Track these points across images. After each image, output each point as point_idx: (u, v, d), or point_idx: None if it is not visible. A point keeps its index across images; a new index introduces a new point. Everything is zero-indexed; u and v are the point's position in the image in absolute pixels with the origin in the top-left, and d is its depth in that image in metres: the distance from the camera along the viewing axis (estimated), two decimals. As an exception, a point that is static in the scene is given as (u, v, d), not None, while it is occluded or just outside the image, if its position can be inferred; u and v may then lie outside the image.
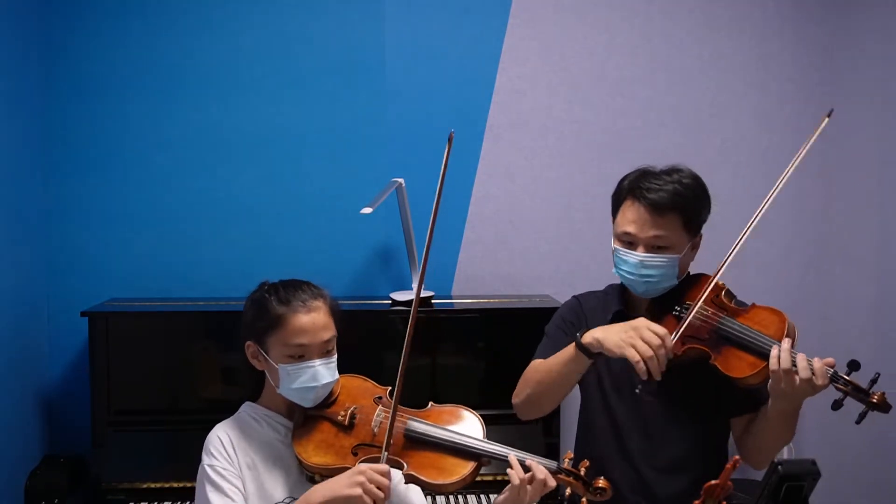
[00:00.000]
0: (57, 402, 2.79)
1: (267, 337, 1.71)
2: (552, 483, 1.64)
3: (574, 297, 2.15)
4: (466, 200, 2.97)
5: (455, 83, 2.93)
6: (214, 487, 1.66)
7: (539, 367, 1.96)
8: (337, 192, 2.88)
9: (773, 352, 1.72)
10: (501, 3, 2.95)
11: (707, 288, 1.87)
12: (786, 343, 1.73)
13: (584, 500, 1.65)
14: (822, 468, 1.48)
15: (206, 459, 1.70)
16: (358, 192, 2.80)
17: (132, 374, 2.54)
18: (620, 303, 2.02)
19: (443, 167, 1.72)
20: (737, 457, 1.47)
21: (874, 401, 1.67)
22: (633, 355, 1.73)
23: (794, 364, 1.70)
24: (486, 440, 1.73)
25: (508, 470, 1.65)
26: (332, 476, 1.68)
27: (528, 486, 1.64)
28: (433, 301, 2.75)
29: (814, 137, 1.91)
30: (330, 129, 2.88)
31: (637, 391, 1.77)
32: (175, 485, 2.41)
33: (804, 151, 1.90)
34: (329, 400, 1.77)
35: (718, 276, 1.90)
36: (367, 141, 2.90)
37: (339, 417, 1.73)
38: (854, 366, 1.71)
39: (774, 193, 1.93)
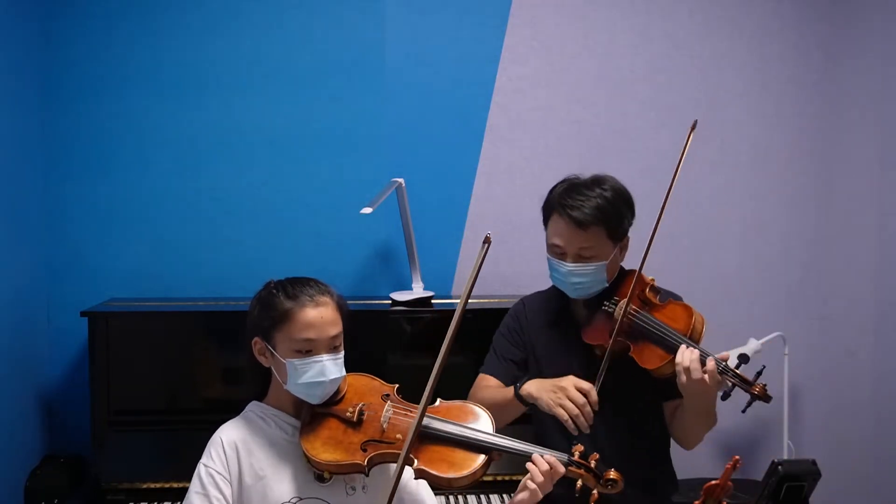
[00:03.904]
0: (57, 402, 2.79)
1: (274, 332, 1.70)
2: (561, 470, 1.68)
3: (520, 300, 2.30)
4: (466, 200, 2.97)
5: (455, 83, 2.93)
6: (201, 490, 1.67)
7: (486, 396, 2.09)
8: (337, 192, 2.88)
9: (680, 351, 1.88)
10: (501, 3, 2.95)
11: (631, 288, 2.01)
12: (682, 348, 1.88)
13: (594, 492, 1.66)
14: (822, 468, 1.48)
15: (203, 458, 1.71)
16: (358, 192, 2.80)
17: (132, 374, 2.54)
18: (562, 300, 2.16)
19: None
20: (737, 457, 1.47)
21: (755, 391, 1.83)
22: (561, 414, 1.89)
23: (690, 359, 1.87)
24: (495, 434, 1.73)
25: (529, 465, 1.68)
26: (341, 473, 1.70)
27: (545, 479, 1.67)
28: (433, 301, 2.75)
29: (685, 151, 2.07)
30: (330, 129, 2.88)
31: (573, 443, 1.81)
32: (175, 485, 2.41)
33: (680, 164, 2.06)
34: (336, 397, 1.77)
35: (636, 276, 2.03)
36: (367, 141, 2.90)
37: (348, 414, 1.73)
38: (743, 359, 1.89)
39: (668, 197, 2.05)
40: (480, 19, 2.94)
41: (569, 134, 3.00)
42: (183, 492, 2.38)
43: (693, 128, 2.09)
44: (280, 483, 1.70)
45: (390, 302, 2.74)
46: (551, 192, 2.09)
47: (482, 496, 2.48)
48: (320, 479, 1.72)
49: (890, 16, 2.86)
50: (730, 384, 1.87)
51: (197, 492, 1.67)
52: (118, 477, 2.44)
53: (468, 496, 2.47)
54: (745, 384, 1.85)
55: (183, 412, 2.57)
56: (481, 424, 1.74)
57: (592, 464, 1.69)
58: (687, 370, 1.85)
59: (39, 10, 2.73)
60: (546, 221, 2.09)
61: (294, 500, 1.70)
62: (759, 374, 1.87)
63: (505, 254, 2.99)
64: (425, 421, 1.71)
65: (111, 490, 2.43)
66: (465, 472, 1.66)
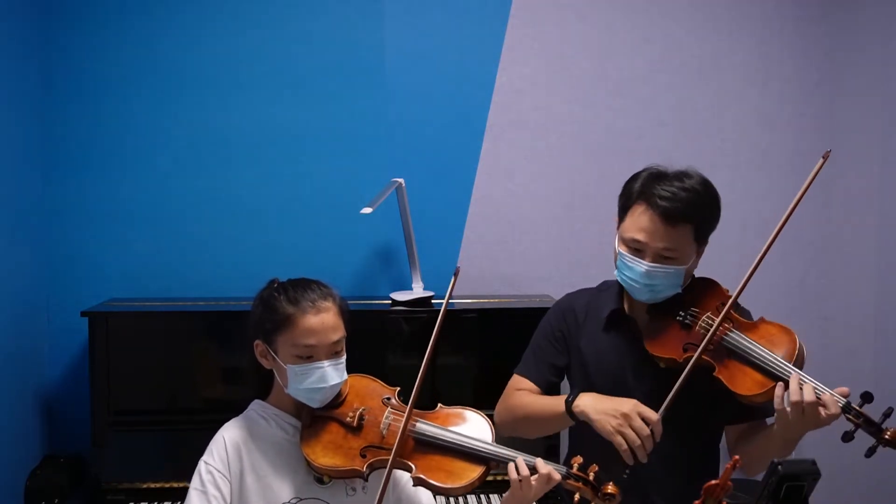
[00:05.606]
0: (57, 402, 2.79)
1: (275, 336, 1.70)
2: (556, 476, 1.64)
3: (565, 297, 2.12)
4: (466, 200, 2.97)
5: (455, 83, 2.93)
6: (200, 487, 1.68)
7: (525, 403, 1.96)
8: (337, 192, 2.88)
9: (793, 384, 1.67)
10: (501, 3, 2.95)
11: (727, 307, 1.82)
12: (794, 380, 1.69)
13: None
14: (822, 468, 1.48)
15: (205, 455, 1.72)
16: (358, 192, 2.80)
17: (132, 374, 2.54)
18: (618, 302, 1.99)
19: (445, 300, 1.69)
20: (737, 457, 1.46)
21: (887, 437, 1.62)
22: (620, 443, 1.72)
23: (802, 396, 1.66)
24: (494, 444, 1.71)
25: (509, 466, 1.65)
26: (340, 477, 1.70)
27: (533, 482, 1.63)
28: (433, 301, 2.75)
29: (812, 177, 1.87)
30: (330, 129, 2.88)
31: (625, 475, 1.73)
32: (175, 485, 2.41)
33: (804, 191, 1.86)
34: (337, 400, 1.76)
35: (735, 294, 1.85)
36: (367, 141, 2.90)
37: (348, 419, 1.72)
38: (867, 397, 1.66)
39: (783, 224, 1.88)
40: (480, 19, 2.94)
41: (569, 134, 3.00)
42: (183, 492, 2.38)
43: (825, 157, 1.85)
44: (280, 483, 1.70)
45: (390, 302, 2.74)
46: (632, 181, 1.91)
47: (482, 496, 2.48)
48: (320, 480, 1.72)
49: (890, 16, 2.86)
50: (852, 425, 1.65)
51: (196, 488, 1.68)
52: (118, 477, 2.44)
53: (468, 496, 2.48)
54: (873, 427, 1.63)
55: (183, 412, 2.57)
56: (481, 433, 1.72)
57: (591, 476, 1.65)
58: (802, 408, 1.65)
59: (39, 10, 2.72)
60: (624, 213, 1.89)
61: (294, 501, 1.70)
62: (886, 415, 1.63)
63: (505, 254, 2.99)
64: (424, 428, 1.71)
65: (111, 490, 2.43)
66: (462, 483, 1.66)
